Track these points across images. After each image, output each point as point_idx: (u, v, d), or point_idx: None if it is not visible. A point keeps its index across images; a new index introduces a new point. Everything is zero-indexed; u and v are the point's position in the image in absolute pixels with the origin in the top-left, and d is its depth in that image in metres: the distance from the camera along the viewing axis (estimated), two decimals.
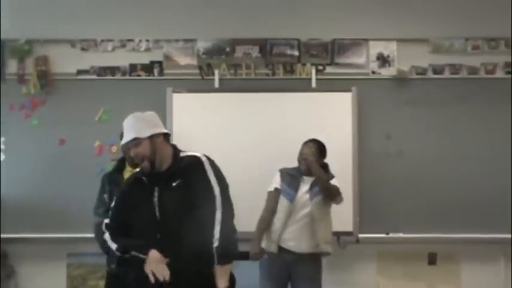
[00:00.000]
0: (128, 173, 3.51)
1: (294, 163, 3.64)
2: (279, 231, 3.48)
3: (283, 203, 3.52)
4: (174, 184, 2.46)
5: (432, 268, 4.34)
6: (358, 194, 4.15)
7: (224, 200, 2.43)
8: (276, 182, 3.60)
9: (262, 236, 3.54)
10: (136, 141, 2.47)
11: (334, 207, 3.61)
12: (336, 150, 3.97)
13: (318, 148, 3.58)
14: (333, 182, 3.54)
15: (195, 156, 2.53)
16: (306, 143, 3.62)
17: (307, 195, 3.50)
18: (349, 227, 4.13)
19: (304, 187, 3.54)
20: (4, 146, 4.28)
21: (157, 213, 2.47)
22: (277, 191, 3.56)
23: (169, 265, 2.39)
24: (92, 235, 3.13)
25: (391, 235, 4.22)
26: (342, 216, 3.81)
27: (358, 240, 4.17)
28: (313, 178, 3.53)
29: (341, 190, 3.56)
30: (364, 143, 4.23)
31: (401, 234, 4.22)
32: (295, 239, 3.47)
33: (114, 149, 4.20)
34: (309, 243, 3.46)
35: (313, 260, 3.52)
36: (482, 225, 4.18)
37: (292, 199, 3.49)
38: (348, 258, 4.23)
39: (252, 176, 3.96)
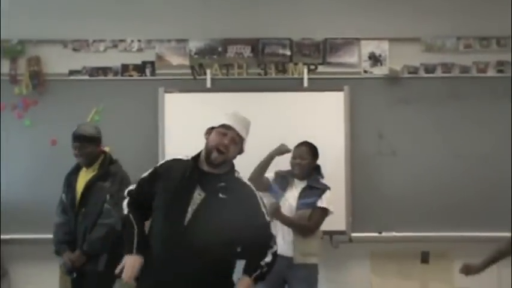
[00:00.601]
0: (83, 173, 3.49)
1: (285, 163, 3.62)
2: None
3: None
4: (220, 195, 2.29)
5: (425, 266, 4.34)
6: (350, 193, 4.16)
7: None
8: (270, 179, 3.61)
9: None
10: (240, 139, 2.39)
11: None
12: (329, 150, 3.97)
13: (310, 151, 3.57)
14: (326, 195, 3.49)
15: (250, 187, 2.43)
16: (298, 146, 3.59)
17: (294, 203, 3.47)
18: (342, 226, 4.13)
19: (295, 191, 3.53)
20: None
21: (186, 222, 2.22)
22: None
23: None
24: None
25: (384, 234, 4.24)
26: (335, 215, 3.76)
27: (351, 240, 4.18)
28: (305, 182, 3.53)
29: (334, 191, 3.57)
30: (357, 142, 4.23)
31: (394, 233, 4.23)
32: (284, 244, 3.37)
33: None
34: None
35: (306, 264, 3.44)
36: (475, 223, 4.19)
37: (278, 199, 3.47)
38: (341, 257, 4.24)
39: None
